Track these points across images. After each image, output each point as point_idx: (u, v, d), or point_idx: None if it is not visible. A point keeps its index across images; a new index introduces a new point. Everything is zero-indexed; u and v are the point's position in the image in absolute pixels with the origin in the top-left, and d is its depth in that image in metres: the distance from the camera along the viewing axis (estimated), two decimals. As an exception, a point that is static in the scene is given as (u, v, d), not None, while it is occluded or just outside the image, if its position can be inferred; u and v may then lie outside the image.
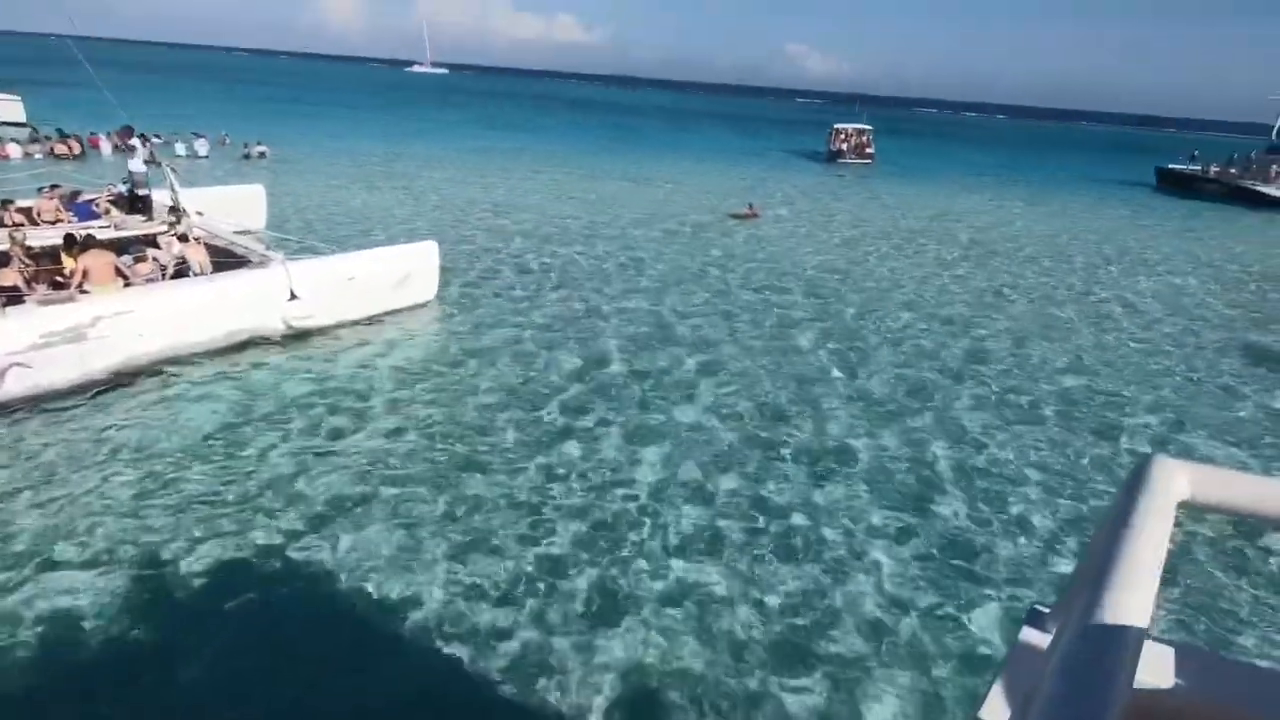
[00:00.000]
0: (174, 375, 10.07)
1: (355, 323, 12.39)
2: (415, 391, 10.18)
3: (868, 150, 48.11)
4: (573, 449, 8.93)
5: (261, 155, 29.44)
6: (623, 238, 20.57)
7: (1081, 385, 12.15)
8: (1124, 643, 0.87)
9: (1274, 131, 43.66)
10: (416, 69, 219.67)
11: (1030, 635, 1.36)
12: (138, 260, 10.83)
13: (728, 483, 8.39)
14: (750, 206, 25.00)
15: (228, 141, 32.52)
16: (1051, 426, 10.53)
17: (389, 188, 25.86)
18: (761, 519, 7.77)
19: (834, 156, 47.31)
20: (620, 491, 8.10)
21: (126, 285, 10.22)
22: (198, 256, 11.14)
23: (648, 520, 7.62)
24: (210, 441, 8.53)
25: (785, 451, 9.23)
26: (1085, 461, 9.57)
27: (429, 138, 44.92)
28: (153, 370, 10.04)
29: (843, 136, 48.35)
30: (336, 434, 8.89)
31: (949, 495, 8.51)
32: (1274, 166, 40.29)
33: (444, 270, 14.24)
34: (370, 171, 29.09)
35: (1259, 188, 39.00)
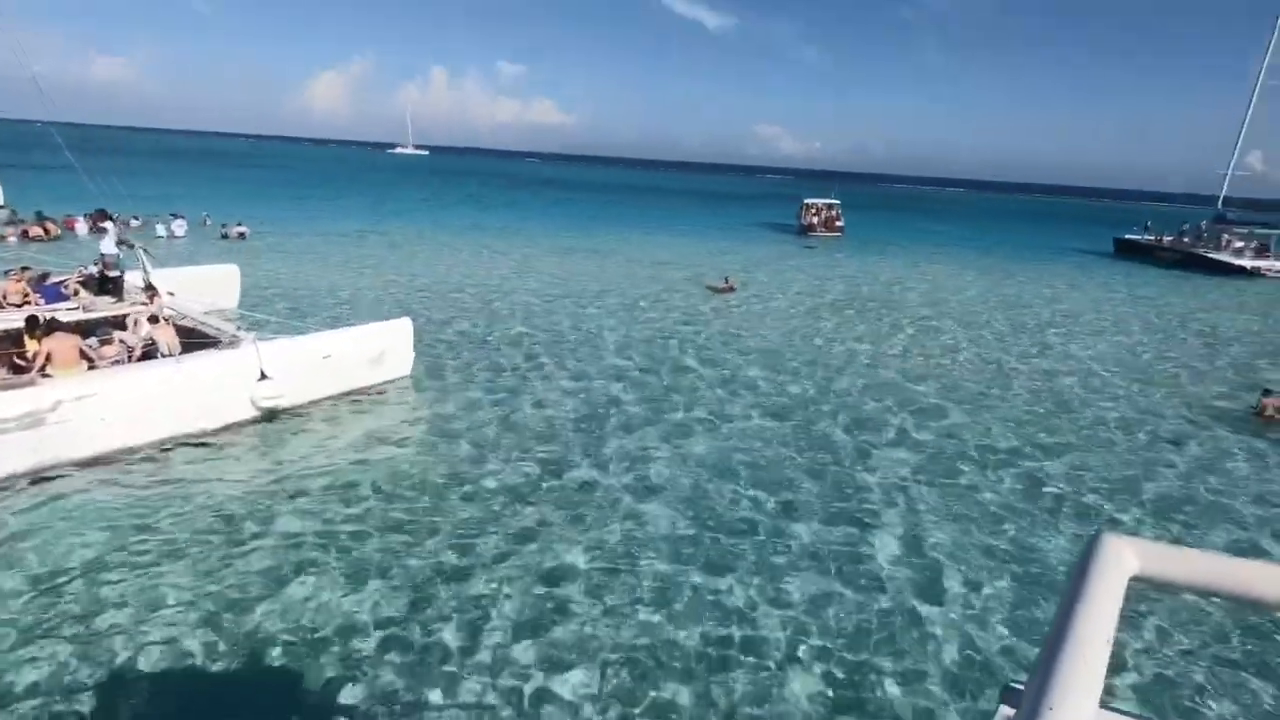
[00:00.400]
0: (137, 457, 9.79)
1: (329, 400, 12.23)
2: (380, 471, 9.96)
3: (837, 224, 49.73)
4: (530, 540, 8.73)
5: (241, 235, 29.67)
6: (600, 313, 20.76)
7: (1036, 449, 12.23)
8: (1076, 718, 0.90)
9: (1219, 201, 45.74)
10: (399, 151, 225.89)
11: (1005, 712, 1.37)
12: (103, 342, 10.67)
13: (682, 577, 8.15)
14: (727, 280, 25.46)
15: (209, 222, 32.78)
16: (1008, 496, 10.50)
17: (367, 266, 26.06)
18: (717, 616, 7.56)
19: (805, 230, 48.79)
20: (578, 587, 7.89)
21: (91, 368, 10.03)
22: (166, 337, 11.01)
23: (600, 613, 7.39)
24: (167, 524, 8.21)
25: (750, 541, 9.09)
26: (1042, 532, 9.53)
27: (409, 216, 45.74)
28: (117, 454, 9.76)
29: (813, 211, 50.04)
30: (296, 511, 8.61)
31: (907, 575, 8.37)
32: (1224, 235, 42.14)
33: (420, 346, 14.21)
34: (348, 250, 29.38)
35: (1211, 254, 40.75)
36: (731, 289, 24.81)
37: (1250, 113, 44.27)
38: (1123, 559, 0.97)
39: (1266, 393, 14.68)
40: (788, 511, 9.53)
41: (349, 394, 12.55)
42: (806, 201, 51.07)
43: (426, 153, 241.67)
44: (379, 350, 13.14)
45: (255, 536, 8.14)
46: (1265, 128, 45.33)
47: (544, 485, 9.84)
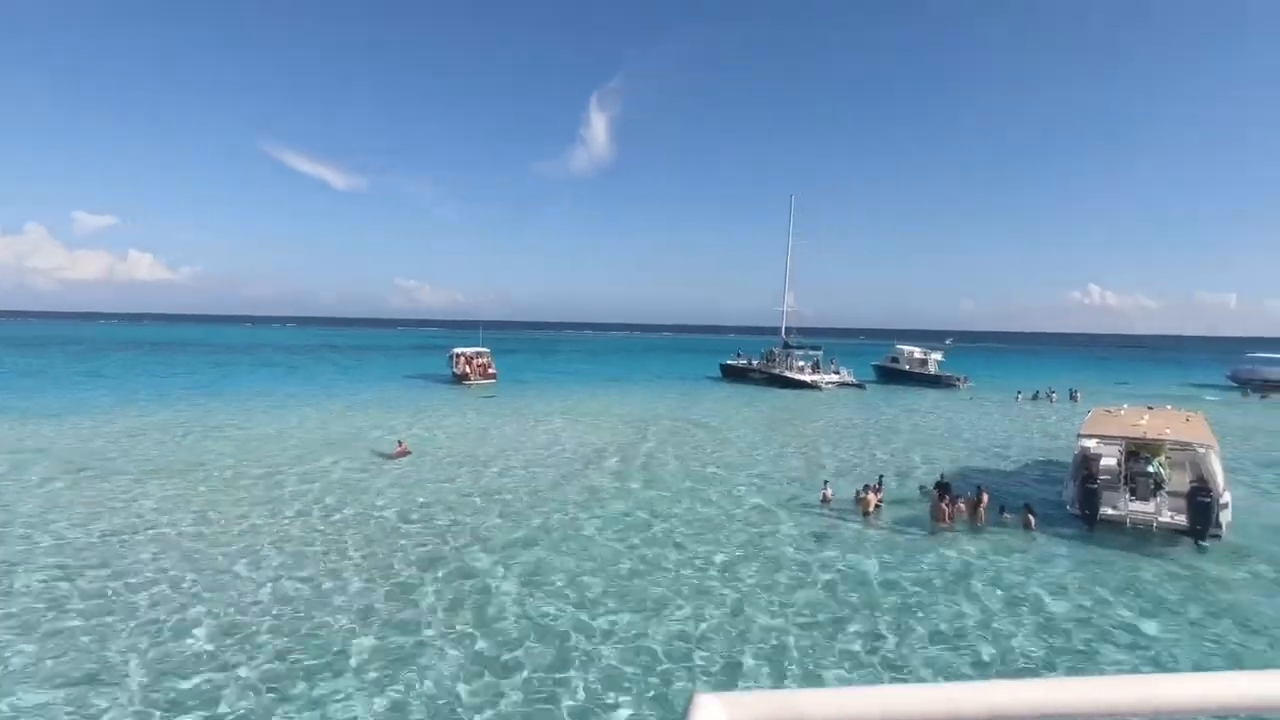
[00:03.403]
0: None
1: None
2: None
3: (490, 370, 50.91)
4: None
5: None
6: (211, 517, 17.28)
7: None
8: None
9: (783, 331, 58.33)
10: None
11: None
12: None
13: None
14: (400, 444, 23.59)
15: None
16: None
17: None
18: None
19: (460, 378, 48.86)
20: None
21: None
22: None
23: None
24: None
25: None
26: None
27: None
28: None
29: (464, 359, 50.57)
30: None
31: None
32: (789, 357, 53.92)
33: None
34: None
35: (786, 373, 51.90)
36: (406, 452, 23.04)
37: (789, 266, 58.75)
38: (714, 718, 0.91)
39: (825, 484, 18.77)
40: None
41: None
42: (455, 351, 51.61)
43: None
44: None
45: None
46: (796, 276, 60.17)
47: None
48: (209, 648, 9.64)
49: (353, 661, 9.37)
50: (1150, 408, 21.80)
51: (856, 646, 10.17)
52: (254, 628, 10.27)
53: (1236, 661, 9.96)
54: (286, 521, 15.49)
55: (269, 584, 11.92)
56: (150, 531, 14.56)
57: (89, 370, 53.81)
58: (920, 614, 11.27)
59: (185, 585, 11.80)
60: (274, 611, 10.84)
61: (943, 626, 10.84)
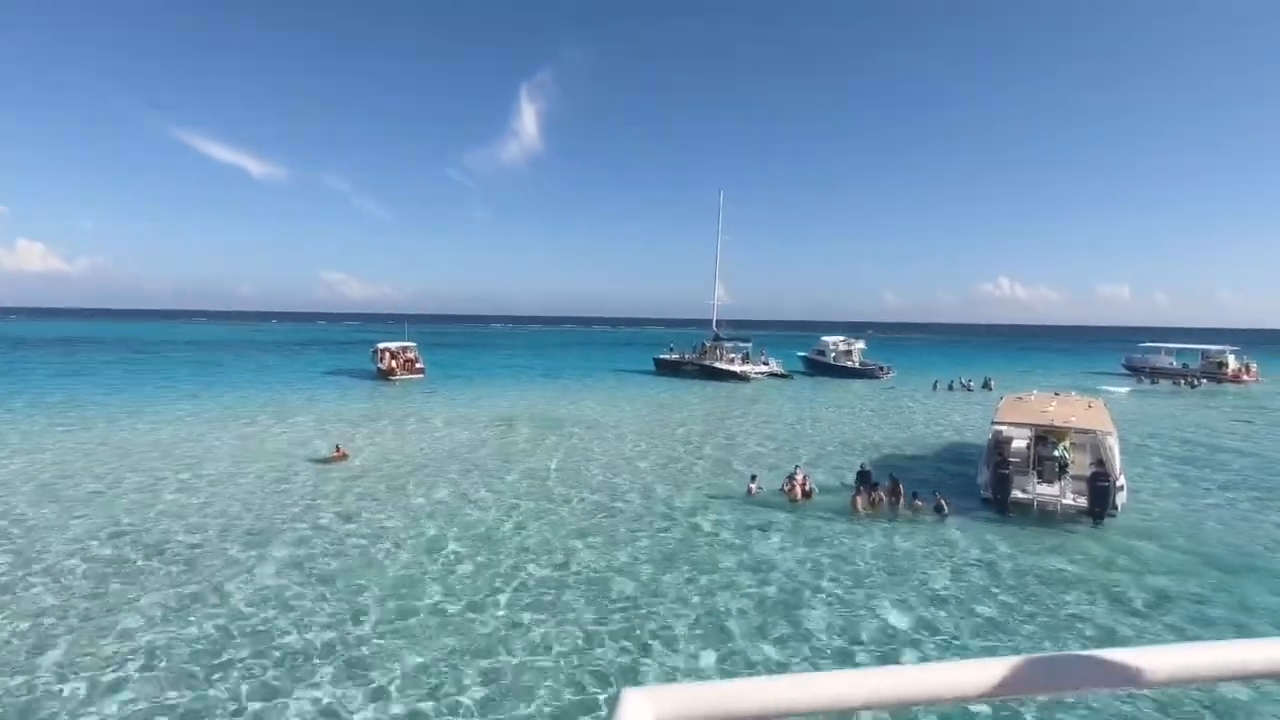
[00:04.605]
0: None
1: None
2: None
3: (418, 365, 49.43)
4: None
5: None
6: (123, 528, 16.16)
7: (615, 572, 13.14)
8: None
9: (713, 324, 58.98)
10: None
11: None
12: None
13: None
14: (338, 449, 22.51)
15: None
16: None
17: None
18: None
19: (385, 374, 47.24)
20: None
21: None
22: None
23: None
24: None
25: None
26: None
27: None
28: None
29: (389, 354, 48.87)
30: None
31: None
32: (719, 349, 54.59)
33: None
34: None
35: (717, 365, 52.50)
36: (344, 456, 21.98)
37: (719, 260, 59.46)
38: (640, 713, 0.90)
39: (753, 478, 18.98)
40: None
41: None
42: (379, 346, 49.86)
43: None
44: None
45: None
46: (726, 269, 60.98)
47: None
48: None
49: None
50: (1056, 394, 22.99)
51: (785, 631, 10.28)
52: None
53: (1131, 626, 10.57)
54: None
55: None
56: None
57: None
58: (835, 602, 11.52)
59: None
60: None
61: (861, 612, 11.12)
